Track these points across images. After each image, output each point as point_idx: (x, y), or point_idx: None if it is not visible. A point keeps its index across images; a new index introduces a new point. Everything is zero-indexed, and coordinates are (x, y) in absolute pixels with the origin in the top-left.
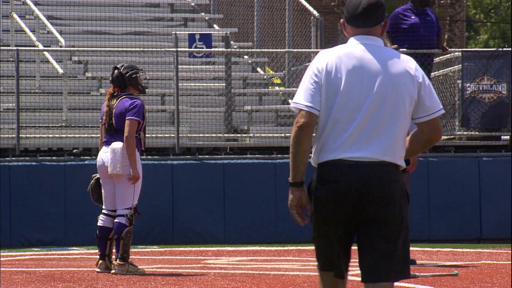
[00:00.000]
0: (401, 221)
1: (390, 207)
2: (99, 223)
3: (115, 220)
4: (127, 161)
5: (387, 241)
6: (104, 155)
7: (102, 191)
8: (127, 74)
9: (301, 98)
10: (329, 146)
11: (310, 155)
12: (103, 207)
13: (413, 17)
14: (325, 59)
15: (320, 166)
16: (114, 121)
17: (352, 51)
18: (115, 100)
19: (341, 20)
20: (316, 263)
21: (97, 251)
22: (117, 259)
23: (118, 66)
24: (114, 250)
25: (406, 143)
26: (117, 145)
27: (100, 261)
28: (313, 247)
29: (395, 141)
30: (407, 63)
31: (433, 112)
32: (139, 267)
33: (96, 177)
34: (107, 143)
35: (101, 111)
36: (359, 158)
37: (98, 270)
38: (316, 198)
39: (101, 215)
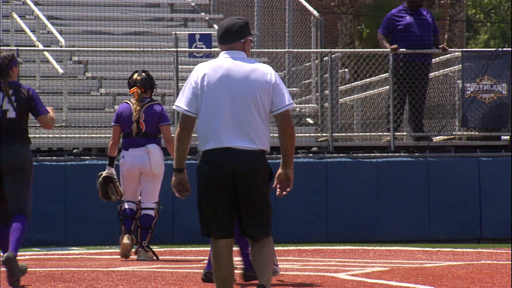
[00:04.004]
0: (265, 195)
1: (257, 184)
2: (126, 206)
3: (145, 213)
4: (162, 162)
5: (258, 209)
6: (138, 157)
7: (125, 186)
8: (153, 79)
9: (182, 103)
10: (208, 137)
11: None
12: (124, 198)
13: (407, 17)
14: (201, 71)
15: (203, 153)
16: (144, 126)
17: (221, 63)
18: (138, 106)
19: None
20: (202, 230)
21: (97, 251)
22: (144, 247)
23: (145, 70)
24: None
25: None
26: (154, 148)
27: (126, 235)
28: (313, 247)
29: (259, 131)
30: (264, 69)
31: (282, 106)
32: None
33: (103, 176)
34: (136, 145)
35: (118, 113)
36: (232, 145)
37: (126, 241)
38: (201, 175)
39: (125, 203)
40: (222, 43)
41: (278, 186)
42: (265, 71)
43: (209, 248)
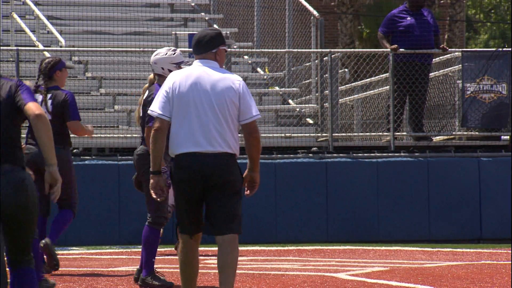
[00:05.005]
0: (236, 194)
1: (228, 184)
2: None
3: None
4: None
5: (227, 208)
6: None
7: None
8: None
9: (156, 107)
10: (179, 142)
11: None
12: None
13: (408, 18)
14: (174, 78)
15: (175, 157)
16: None
17: (193, 71)
18: None
19: None
20: (180, 228)
21: (97, 251)
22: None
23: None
24: None
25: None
26: None
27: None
28: (313, 247)
29: (227, 136)
30: (232, 79)
31: (248, 117)
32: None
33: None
34: None
35: None
36: (202, 150)
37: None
38: (175, 179)
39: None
40: (195, 53)
41: (246, 187)
42: (233, 81)
43: (205, 248)
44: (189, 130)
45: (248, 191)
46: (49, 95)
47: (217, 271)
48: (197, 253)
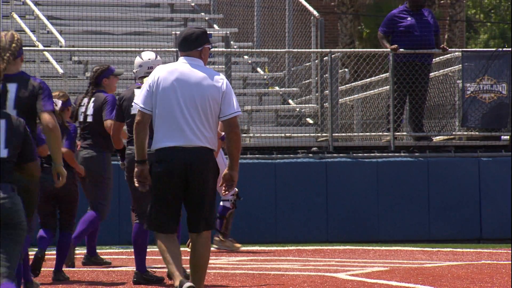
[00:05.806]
0: (211, 190)
1: (207, 179)
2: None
3: (221, 204)
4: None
5: (205, 207)
6: None
7: None
8: None
9: (139, 100)
10: (161, 137)
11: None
12: None
13: (409, 18)
14: (157, 73)
15: (156, 151)
16: None
17: (177, 67)
18: None
19: None
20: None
21: (97, 251)
22: (219, 236)
23: None
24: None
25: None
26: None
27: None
28: (313, 247)
29: (206, 133)
30: (216, 77)
31: (228, 114)
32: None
33: None
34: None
35: None
36: (181, 144)
37: (216, 246)
38: (154, 173)
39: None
40: (180, 50)
41: (224, 185)
42: (217, 79)
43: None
44: (171, 125)
45: (224, 189)
46: (92, 99)
47: (216, 271)
48: (176, 241)
